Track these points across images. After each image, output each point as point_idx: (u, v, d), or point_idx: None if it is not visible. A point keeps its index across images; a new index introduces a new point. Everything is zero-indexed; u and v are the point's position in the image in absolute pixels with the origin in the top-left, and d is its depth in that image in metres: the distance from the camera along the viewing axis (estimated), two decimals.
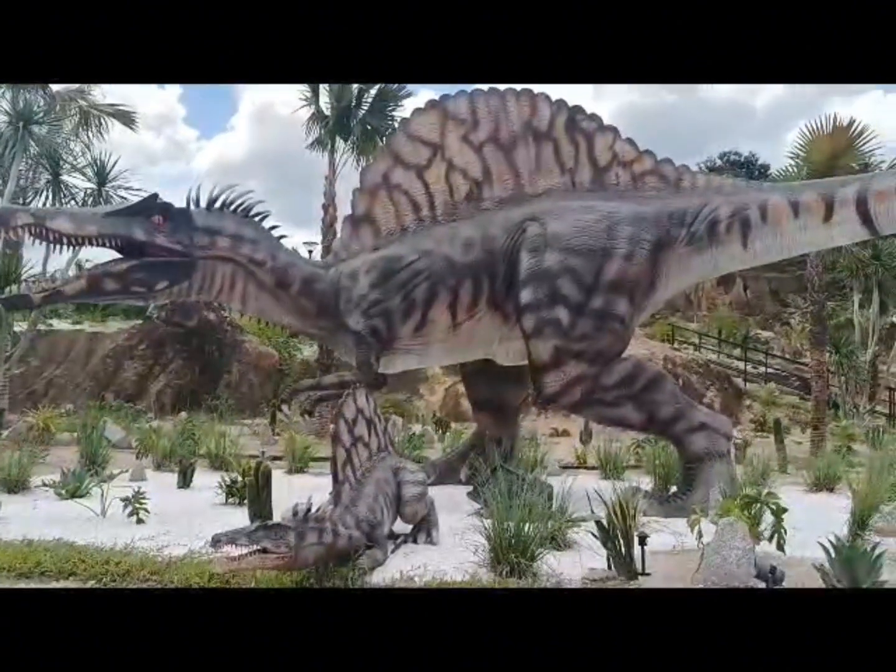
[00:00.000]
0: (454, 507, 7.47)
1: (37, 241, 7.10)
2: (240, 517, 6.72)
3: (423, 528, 6.30)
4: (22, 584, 4.97)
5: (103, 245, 7.34)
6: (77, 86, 17.73)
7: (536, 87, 8.33)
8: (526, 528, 5.25)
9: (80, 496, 8.10)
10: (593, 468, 11.72)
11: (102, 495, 7.36)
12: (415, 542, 6.19)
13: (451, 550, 5.82)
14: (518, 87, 8.38)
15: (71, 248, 7.45)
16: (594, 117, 8.38)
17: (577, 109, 8.36)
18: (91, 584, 4.96)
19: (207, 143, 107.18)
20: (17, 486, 8.65)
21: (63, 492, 8.25)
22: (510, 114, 8.36)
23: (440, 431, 17.92)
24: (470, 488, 8.17)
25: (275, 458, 11.69)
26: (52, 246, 7.25)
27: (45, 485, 8.53)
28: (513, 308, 8.01)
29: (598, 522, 5.18)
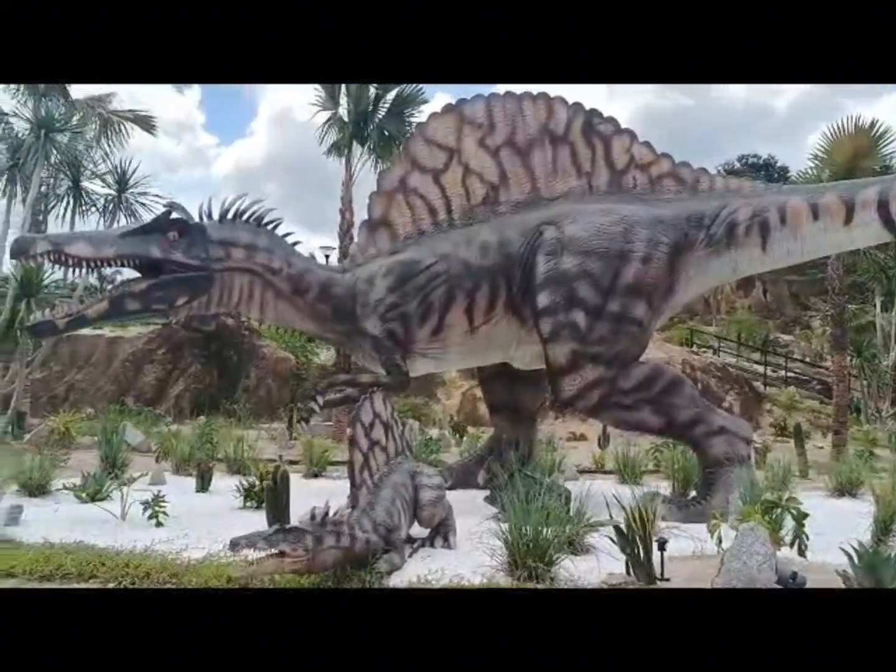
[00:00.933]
0: (471, 511, 7.46)
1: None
2: (258, 521, 6.74)
3: (441, 532, 6.30)
4: (43, 587, 5.02)
5: (122, 265, 7.44)
6: (97, 93, 18.00)
7: (550, 89, 8.34)
8: (544, 533, 5.23)
9: (101, 499, 8.16)
10: (611, 472, 11.66)
11: (122, 498, 7.42)
12: (432, 545, 6.19)
13: (468, 554, 5.81)
14: (534, 90, 8.39)
15: (90, 271, 7.56)
16: (611, 120, 8.36)
17: (594, 113, 8.35)
18: (111, 586, 5.00)
19: (227, 149, 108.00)
20: (38, 489, 8.74)
21: (83, 495, 8.31)
22: (526, 117, 8.36)
23: (457, 435, 17.90)
24: (487, 492, 8.16)
25: (292, 462, 11.72)
26: (71, 269, 7.33)
27: (65, 488, 8.60)
28: (530, 312, 7.99)
29: (616, 527, 5.15)
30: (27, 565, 5.32)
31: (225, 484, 9.43)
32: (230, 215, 8.03)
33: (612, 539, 5.23)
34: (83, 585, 5.03)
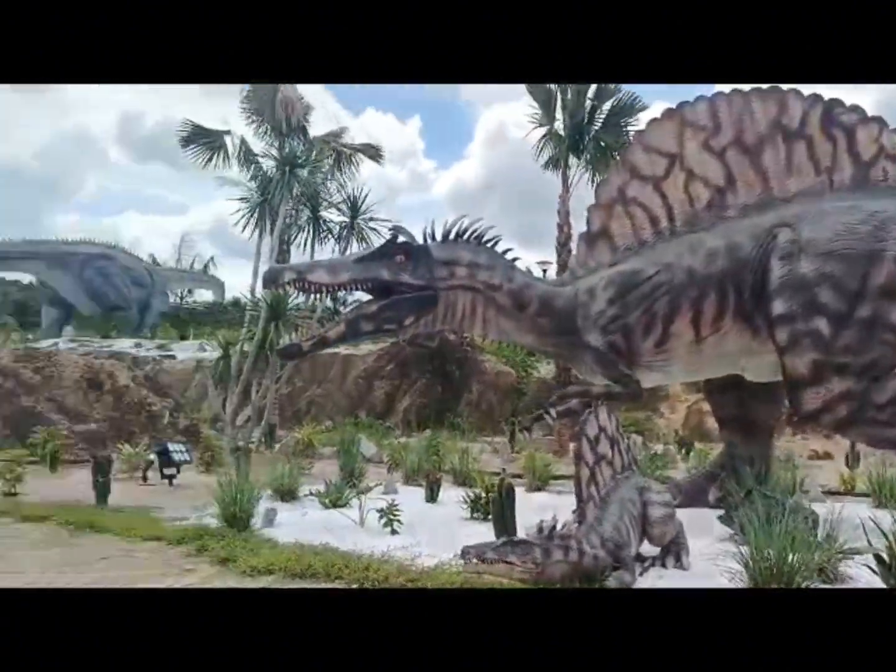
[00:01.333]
0: (703, 530, 7.09)
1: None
2: (485, 532, 6.89)
3: (672, 550, 6.05)
4: (296, 584, 5.50)
5: (356, 289, 7.95)
6: (332, 129, 19.54)
7: (784, 86, 7.77)
8: (789, 558, 4.84)
9: (341, 506, 8.78)
10: (863, 495, 10.55)
11: (360, 506, 7.94)
12: (664, 565, 5.96)
13: (704, 576, 5.52)
14: (764, 86, 7.86)
15: (328, 295, 8.19)
16: (855, 109, 7.63)
17: (835, 102, 7.66)
18: (355, 587, 5.35)
19: (445, 172, 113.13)
20: (288, 494, 9.60)
21: (326, 501, 9.00)
22: (755, 115, 7.85)
23: (682, 451, 17.15)
24: (719, 512, 7.71)
25: (515, 476, 11.85)
26: (312, 295, 7.98)
27: (311, 494, 9.36)
28: (763, 320, 7.47)
29: (877, 556, 4.64)
30: (283, 563, 5.86)
31: (451, 495, 9.75)
32: (452, 235, 8.31)
33: (871, 569, 4.72)
34: (330, 586, 5.44)
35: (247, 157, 18.28)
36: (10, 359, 17.46)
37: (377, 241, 13.95)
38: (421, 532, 7.36)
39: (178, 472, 11.83)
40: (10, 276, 50.11)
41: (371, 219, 17.99)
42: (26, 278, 48.85)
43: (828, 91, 7.54)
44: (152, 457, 12.38)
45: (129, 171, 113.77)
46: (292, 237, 18.75)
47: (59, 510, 8.46)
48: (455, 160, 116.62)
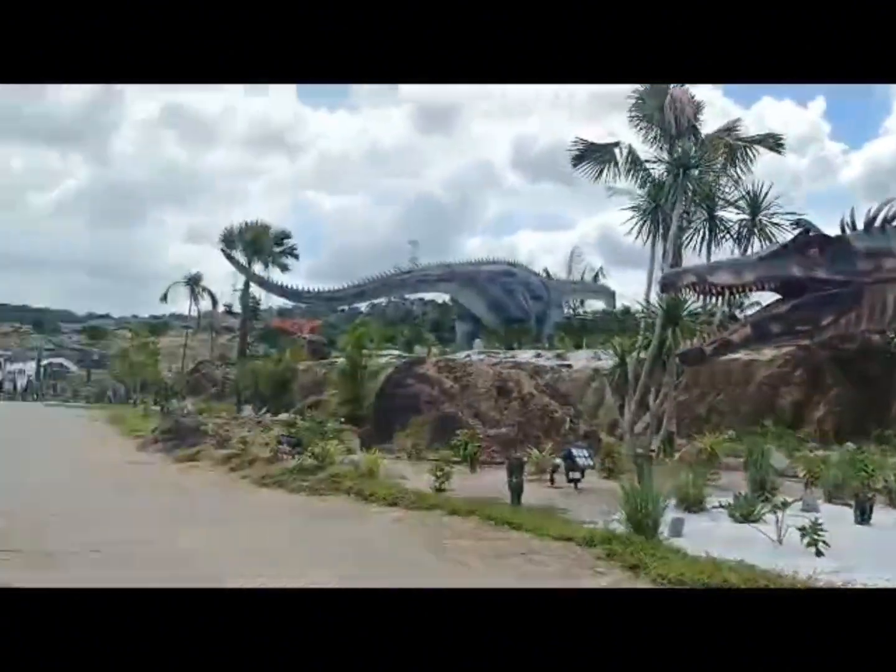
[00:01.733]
0: None
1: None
2: None
3: None
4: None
5: (762, 289, 7.40)
6: (724, 124, 18.56)
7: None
8: None
9: (753, 521, 8.24)
10: None
11: (777, 522, 7.37)
12: None
13: None
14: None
15: (732, 297, 7.75)
16: None
17: None
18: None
19: (855, 154, 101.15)
20: (695, 504, 9.31)
21: (737, 514, 8.54)
22: None
23: None
24: None
25: None
26: (712, 298, 7.64)
27: (720, 506, 8.96)
28: None
29: None
30: (695, 575, 5.69)
31: (886, 518, 8.66)
32: (878, 223, 7.29)
33: None
34: None
35: (635, 165, 18.29)
36: (433, 370, 19.83)
37: (781, 238, 12.96)
38: (853, 556, 6.61)
39: (583, 476, 12.20)
40: (428, 296, 57.53)
41: (773, 214, 16.76)
42: (440, 298, 55.53)
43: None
44: (558, 461, 12.96)
45: (523, 191, 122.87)
46: (686, 240, 18.24)
47: (481, 506, 9.29)
48: (867, 140, 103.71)
